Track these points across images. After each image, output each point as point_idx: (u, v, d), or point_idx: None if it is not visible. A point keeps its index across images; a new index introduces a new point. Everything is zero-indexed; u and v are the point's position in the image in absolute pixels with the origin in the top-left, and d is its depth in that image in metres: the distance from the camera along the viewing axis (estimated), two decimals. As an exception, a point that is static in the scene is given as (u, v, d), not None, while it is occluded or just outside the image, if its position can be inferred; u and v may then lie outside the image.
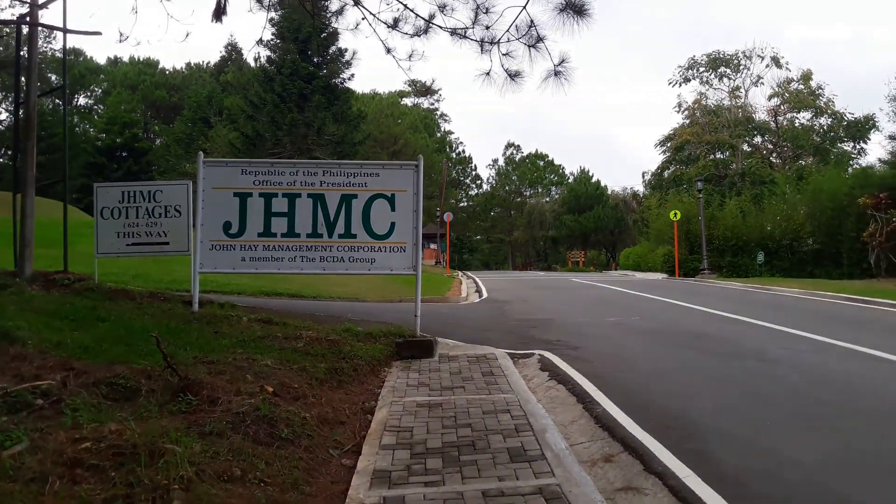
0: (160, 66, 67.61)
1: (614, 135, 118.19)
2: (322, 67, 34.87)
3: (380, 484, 3.87)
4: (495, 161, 72.96)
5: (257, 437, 4.23)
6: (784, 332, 9.95)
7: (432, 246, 49.00)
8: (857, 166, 35.74)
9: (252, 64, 44.86)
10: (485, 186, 72.81)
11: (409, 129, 54.54)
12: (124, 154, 48.06)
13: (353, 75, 35.70)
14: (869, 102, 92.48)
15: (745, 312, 12.35)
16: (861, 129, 39.92)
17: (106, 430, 3.69)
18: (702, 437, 4.75)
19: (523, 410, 5.39)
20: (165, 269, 14.22)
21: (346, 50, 34.50)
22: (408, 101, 65.22)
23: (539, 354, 7.86)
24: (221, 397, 4.64)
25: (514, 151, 72.72)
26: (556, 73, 6.64)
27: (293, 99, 32.28)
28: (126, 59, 66.90)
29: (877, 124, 38.67)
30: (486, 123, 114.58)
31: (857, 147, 40.84)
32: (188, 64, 68.08)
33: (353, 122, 35.55)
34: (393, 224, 7.89)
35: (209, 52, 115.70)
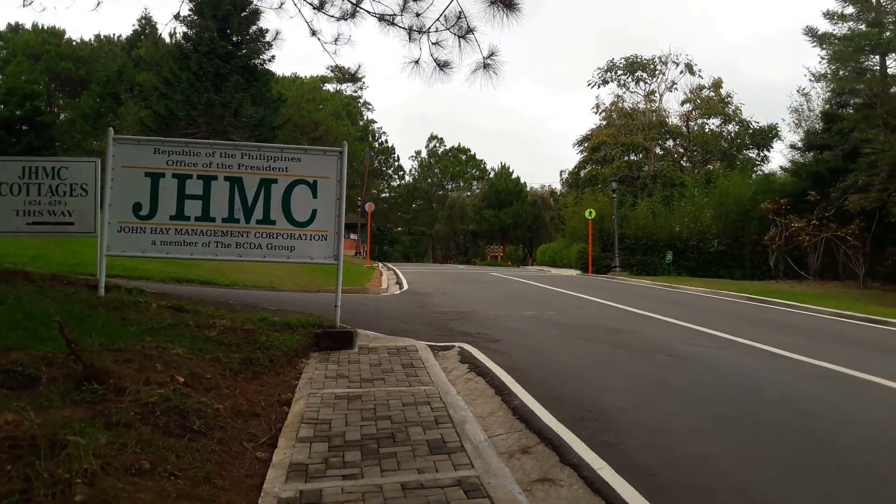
0: (66, 36, 63.66)
1: (535, 132, 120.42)
2: (242, 47, 33.76)
3: (296, 477, 3.77)
4: (418, 153, 72.95)
5: (167, 428, 4.05)
6: (691, 328, 10.40)
7: (353, 236, 48.51)
8: (761, 173, 37.81)
9: (167, 40, 43.00)
10: (407, 178, 72.77)
11: (332, 116, 53.66)
12: (24, 128, 44.88)
13: (273, 57, 34.67)
14: (773, 112, 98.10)
15: (655, 309, 12.84)
16: (765, 137, 42.21)
17: (1, 421, 3.43)
18: (615, 429, 4.88)
19: (443, 402, 5.38)
20: (69, 250, 13.42)
21: (267, 30, 33.47)
22: (330, 87, 64.07)
23: (459, 347, 7.89)
24: (129, 387, 4.40)
25: (437, 144, 72.87)
26: (486, 66, 6.66)
27: (210, 78, 31.09)
28: (28, 25, 62.65)
29: (779, 133, 41.11)
30: (410, 115, 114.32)
31: (761, 154, 43.20)
32: (97, 36, 64.34)
33: (272, 106, 34.59)
34: (314, 211, 7.70)
35: (121, 25, 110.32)
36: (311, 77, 61.88)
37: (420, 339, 8.23)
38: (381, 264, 32.62)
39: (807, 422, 5.26)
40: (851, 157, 22.50)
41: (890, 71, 24.51)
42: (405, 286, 18.05)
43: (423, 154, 72.49)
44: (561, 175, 55.83)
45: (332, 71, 55.72)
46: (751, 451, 4.52)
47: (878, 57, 24.65)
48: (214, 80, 31.25)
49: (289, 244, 7.67)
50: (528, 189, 63.23)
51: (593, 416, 5.20)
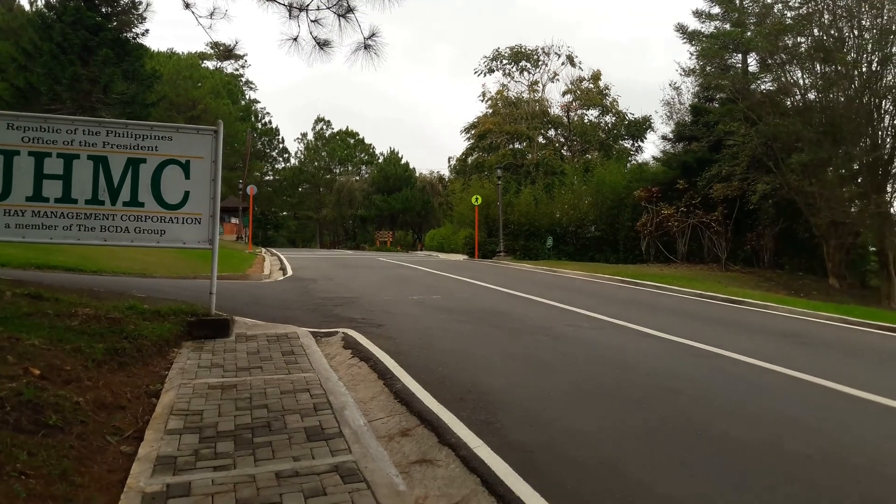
0: None
1: (425, 119, 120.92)
2: (111, 18, 31.44)
3: (163, 470, 3.59)
4: (304, 135, 71.14)
5: (19, 424, 3.74)
6: (569, 310, 10.82)
7: (234, 220, 46.81)
8: (635, 162, 39.87)
9: (27, 7, 39.41)
10: (293, 161, 70.83)
11: (210, 94, 51.23)
12: None
13: (147, 31, 32.46)
14: (647, 105, 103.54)
15: (536, 292, 13.26)
16: (640, 128, 44.44)
17: None
18: (493, 408, 4.99)
19: (323, 389, 5.30)
20: None
21: (139, 2, 31.42)
22: (210, 65, 61.22)
23: (343, 332, 7.80)
24: (-26, 382, 4.02)
25: (325, 127, 71.40)
26: (367, 47, 6.56)
27: (75, 51, 28.76)
28: None
29: (652, 125, 43.44)
30: (296, 96, 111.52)
31: (636, 145, 45.45)
32: (-58, -2, 58.10)
33: (145, 82, 32.51)
34: (187, 193, 7.30)
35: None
36: (189, 53, 58.81)
37: (302, 326, 8.06)
38: (264, 250, 31.67)
39: (671, 396, 5.61)
40: (716, 148, 24.14)
41: (751, 69, 26.46)
42: (289, 272, 17.63)
43: (310, 137, 70.91)
44: (449, 161, 56.39)
45: (210, 47, 53.30)
46: (620, 425, 4.76)
47: (740, 55, 26.54)
48: (81, 52, 28.93)
49: (159, 228, 7.23)
50: (417, 175, 63.39)
51: (473, 396, 5.29)
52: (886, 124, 21.29)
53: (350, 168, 71.18)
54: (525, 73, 46.17)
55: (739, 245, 25.61)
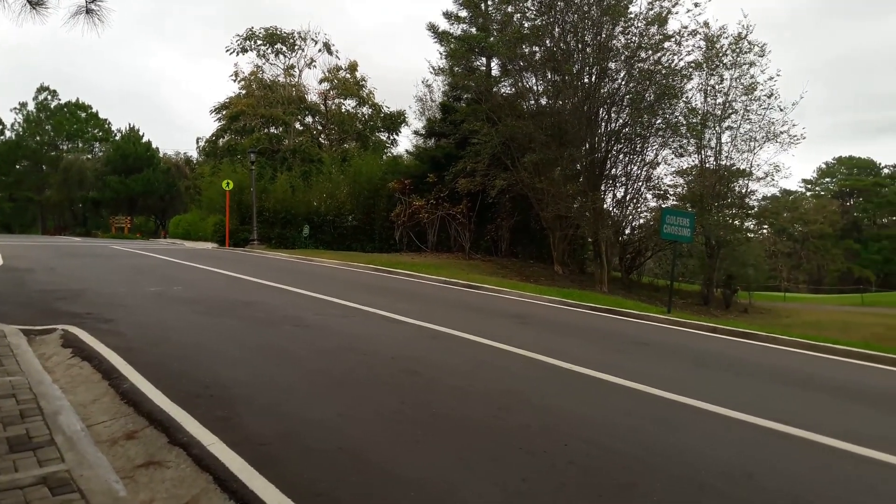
0: None
1: (172, 96, 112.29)
2: None
3: None
4: (24, 105, 61.98)
5: None
6: (320, 299, 10.83)
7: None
8: (390, 155, 41.04)
9: None
10: (8, 133, 61.37)
11: None
12: None
13: None
14: (402, 100, 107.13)
15: (289, 282, 13.06)
16: (395, 122, 45.71)
17: None
18: (233, 403, 4.82)
19: (33, 393, 4.69)
20: None
21: None
22: None
23: (63, 329, 6.98)
24: None
25: (50, 97, 62.86)
26: (89, 11, 5.87)
27: None
28: None
29: (407, 119, 44.97)
30: (16, 63, 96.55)
31: (391, 138, 46.65)
32: None
33: None
34: None
35: None
36: None
37: (12, 323, 7.07)
38: (-32, 236, 27.13)
39: (410, 377, 5.88)
40: (463, 145, 25.71)
41: (494, 72, 28.58)
42: (0, 261, 15.31)
43: (31, 107, 62.00)
44: (198, 143, 53.01)
45: None
46: (361, 409, 4.87)
47: (484, 59, 28.53)
48: None
49: None
50: (161, 155, 58.78)
51: (210, 392, 5.05)
52: (602, 130, 24.40)
53: (81, 145, 63.68)
54: (281, 57, 44.96)
55: (482, 235, 27.70)
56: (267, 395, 5.09)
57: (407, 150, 36.04)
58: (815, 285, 65.86)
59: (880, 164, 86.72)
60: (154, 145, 58.03)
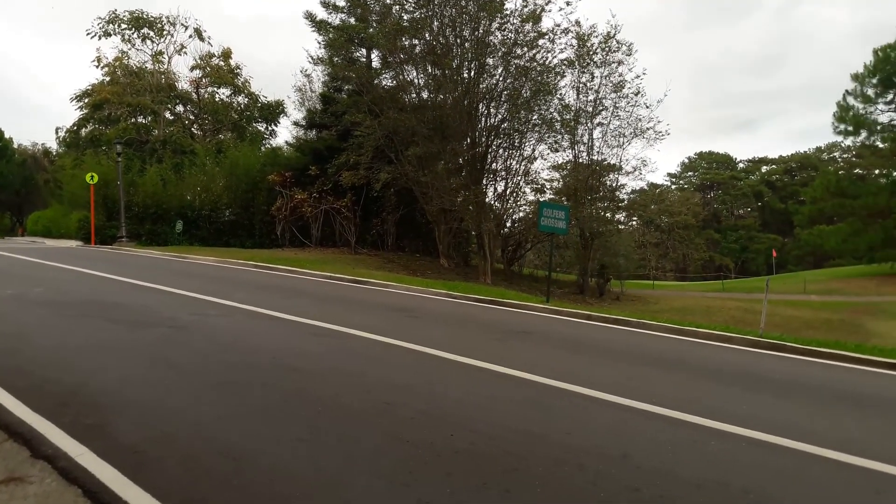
0: None
1: (25, 82, 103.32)
2: None
3: None
4: None
5: None
6: (196, 298, 10.39)
7: None
8: (269, 146, 39.83)
9: None
10: None
11: None
12: None
13: None
14: (281, 89, 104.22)
15: (162, 281, 12.44)
16: (273, 112, 44.39)
17: None
18: (103, 411, 4.55)
19: None
20: None
21: None
22: None
23: None
24: None
25: None
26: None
27: None
28: None
29: (286, 110, 43.82)
30: None
31: (270, 128, 45.28)
32: None
33: None
34: None
35: None
36: None
37: None
38: None
39: (293, 374, 5.79)
40: (345, 137, 25.46)
41: (374, 64, 28.43)
42: None
43: None
44: (57, 133, 49.04)
45: None
46: (241, 410, 4.74)
47: (364, 50, 28.31)
48: None
49: None
50: (16, 146, 54.04)
51: (79, 399, 4.75)
52: (482, 125, 24.94)
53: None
54: (148, 42, 42.51)
55: (367, 229, 27.57)
56: (141, 400, 4.85)
57: (287, 142, 35.13)
58: (681, 273, 70.80)
59: (736, 158, 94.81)
60: (7, 135, 53.25)
